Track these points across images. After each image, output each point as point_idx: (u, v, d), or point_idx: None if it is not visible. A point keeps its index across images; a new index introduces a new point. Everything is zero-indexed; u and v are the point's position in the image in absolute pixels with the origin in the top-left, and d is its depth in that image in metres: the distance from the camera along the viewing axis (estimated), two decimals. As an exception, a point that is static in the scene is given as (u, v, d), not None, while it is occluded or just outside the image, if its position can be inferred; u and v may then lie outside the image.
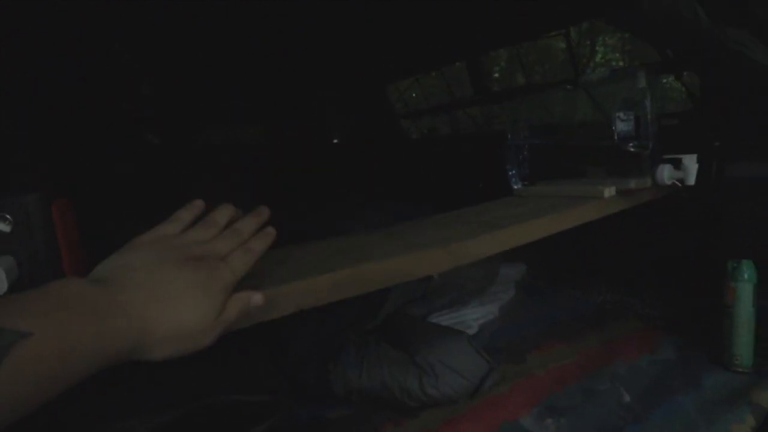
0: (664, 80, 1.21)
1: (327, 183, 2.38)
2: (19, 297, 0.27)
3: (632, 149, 0.85)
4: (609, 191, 0.83)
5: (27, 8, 1.14)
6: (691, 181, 0.84)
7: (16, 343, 0.23)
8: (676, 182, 0.85)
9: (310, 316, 0.87)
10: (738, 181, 0.90)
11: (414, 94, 2.69)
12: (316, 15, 1.50)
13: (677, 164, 0.84)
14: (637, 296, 1.21)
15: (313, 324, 0.91)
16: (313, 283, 0.49)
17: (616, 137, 0.86)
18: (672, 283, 1.13)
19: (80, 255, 0.49)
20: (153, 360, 0.32)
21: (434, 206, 0.89)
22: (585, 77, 0.95)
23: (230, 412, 0.64)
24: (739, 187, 0.90)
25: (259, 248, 0.41)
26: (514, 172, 1.04)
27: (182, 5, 1.35)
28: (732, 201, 0.92)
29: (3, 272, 0.40)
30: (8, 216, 0.43)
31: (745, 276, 0.86)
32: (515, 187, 1.02)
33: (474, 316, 1.13)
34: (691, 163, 0.84)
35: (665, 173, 0.84)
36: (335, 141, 2.88)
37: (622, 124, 0.85)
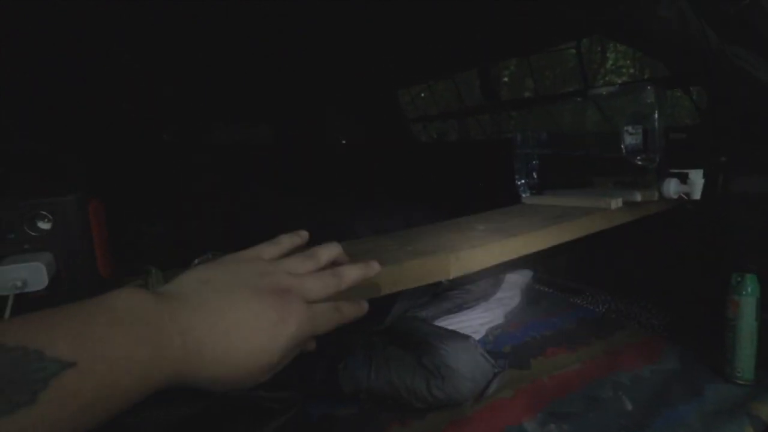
0: (677, 93, 1.22)
1: (337, 186, 2.40)
2: (71, 311, 0.24)
3: (640, 162, 0.87)
4: (616, 203, 0.85)
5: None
6: (697, 195, 0.86)
7: (56, 376, 0.21)
8: (683, 195, 0.87)
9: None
10: (743, 195, 0.92)
11: (423, 95, 2.71)
12: (330, 20, 1.53)
13: (684, 178, 0.86)
14: (642, 306, 1.23)
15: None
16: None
17: (624, 150, 0.88)
18: (676, 294, 1.14)
19: (110, 252, 0.52)
20: (202, 389, 0.29)
21: (443, 212, 0.91)
22: (594, 90, 0.97)
23: (250, 407, 0.67)
24: (744, 202, 0.91)
25: (346, 279, 0.38)
26: (522, 180, 1.06)
27: (199, 7, 1.38)
28: (737, 215, 0.93)
29: (44, 267, 0.43)
30: (48, 215, 0.46)
31: (749, 290, 0.87)
32: (523, 195, 1.04)
33: (480, 321, 1.15)
34: (697, 177, 0.86)
35: (671, 187, 0.86)
36: (343, 141, 2.91)
37: (631, 138, 0.87)
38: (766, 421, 0.80)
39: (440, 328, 1.04)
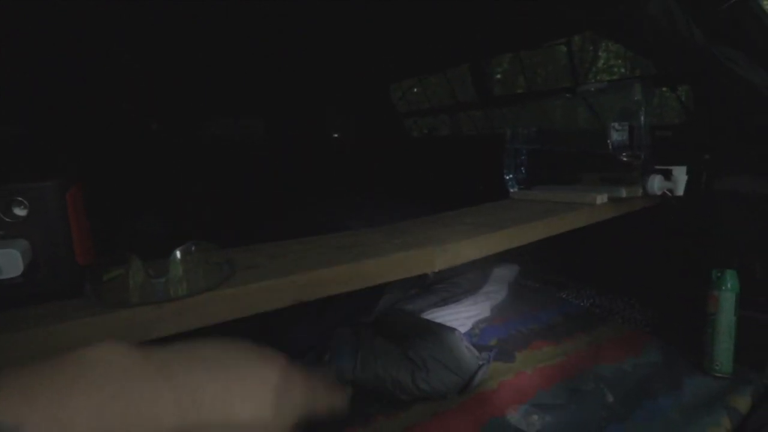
0: (667, 93, 1.24)
1: (328, 179, 2.40)
2: (37, 367, 0.21)
3: (625, 159, 0.87)
4: (601, 198, 0.86)
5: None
6: (680, 191, 0.87)
7: None
8: (666, 192, 0.88)
9: (308, 309, 0.90)
10: (725, 193, 0.93)
11: (415, 89, 2.70)
12: (324, 14, 1.52)
13: (667, 175, 0.87)
14: (625, 301, 1.25)
15: (311, 316, 0.93)
16: (311, 276, 0.51)
17: (610, 146, 0.88)
18: (659, 289, 1.16)
19: (90, 240, 0.51)
20: None
21: (433, 206, 0.91)
22: (583, 86, 0.97)
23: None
24: (726, 200, 0.93)
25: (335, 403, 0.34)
26: (511, 175, 1.06)
27: (194, 1, 1.36)
28: (718, 213, 0.94)
29: (19, 255, 0.42)
30: (25, 201, 0.45)
31: (728, 285, 0.89)
32: (512, 190, 1.05)
33: (467, 315, 1.15)
34: (680, 174, 0.87)
35: (656, 183, 0.86)
36: (336, 135, 2.90)
37: (617, 134, 0.88)
38: (742, 412, 0.82)
39: (426, 320, 1.04)
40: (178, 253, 0.48)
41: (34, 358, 0.22)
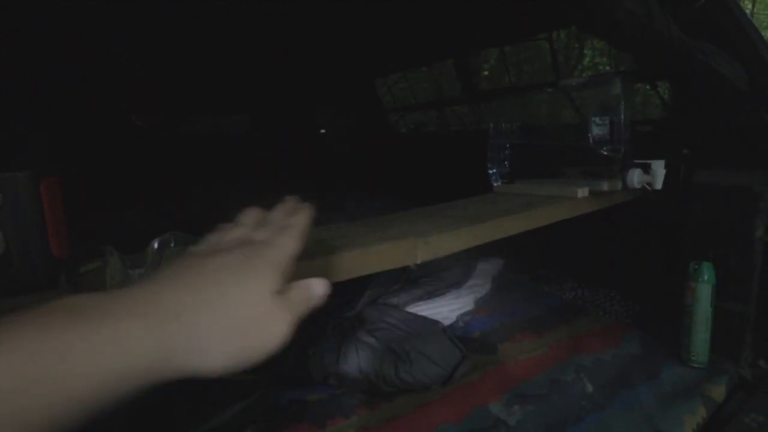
0: (651, 91, 1.25)
1: (314, 175, 2.39)
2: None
3: (605, 152, 0.89)
4: (582, 192, 0.87)
5: None
6: (659, 185, 0.89)
7: None
8: (646, 186, 0.90)
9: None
10: (702, 187, 0.95)
11: (402, 86, 2.70)
12: (308, 7, 1.51)
13: (646, 169, 0.89)
14: (606, 293, 1.27)
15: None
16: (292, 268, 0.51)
17: (591, 140, 0.90)
18: (639, 282, 1.18)
19: (67, 234, 0.50)
20: (212, 373, 0.25)
21: (416, 201, 0.91)
22: (565, 81, 0.98)
23: (212, 387, 0.66)
24: (703, 193, 0.95)
25: (297, 221, 0.34)
26: (494, 170, 1.07)
27: None
28: (695, 206, 0.97)
29: (-9, 246, 0.42)
30: (-2, 192, 0.44)
31: (705, 277, 0.91)
32: (495, 184, 1.05)
33: (450, 308, 1.16)
34: (659, 167, 0.88)
35: (635, 177, 0.88)
36: (322, 131, 2.88)
37: (598, 128, 0.89)
38: (717, 401, 0.84)
39: (410, 313, 1.05)
40: (155, 244, 0.48)
41: None
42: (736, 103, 0.86)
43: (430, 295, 1.20)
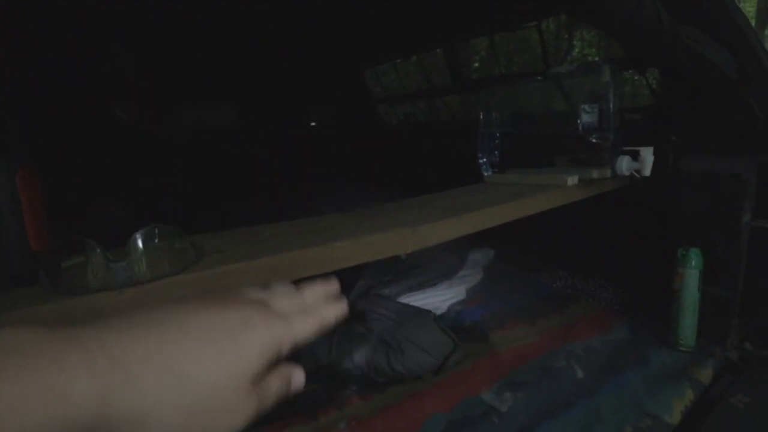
0: (642, 81, 1.25)
1: (303, 167, 2.37)
2: None
3: (595, 140, 0.89)
4: (572, 180, 0.87)
5: None
6: (647, 172, 0.89)
7: None
8: (634, 173, 0.90)
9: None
10: (690, 174, 0.96)
11: (392, 77, 2.68)
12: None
13: (635, 156, 0.89)
14: (596, 281, 1.28)
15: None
16: (281, 260, 0.50)
17: (580, 128, 0.90)
18: (628, 269, 1.19)
19: (45, 225, 0.48)
20: None
21: (407, 191, 0.91)
22: (554, 69, 0.98)
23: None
24: (691, 180, 0.96)
25: (326, 314, 0.31)
26: (484, 159, 1.06)
27: None
28: (684, 192, 0.97)
29: (-35, 240, 0.40)
30: (-30, 184, 0.42)
31: (693, 263, 0.92)
32: (485, 173, 1.05)
33: (442, 298, 1.17)
34: (647, 155, 0.89)
35: (624, 164, 0.88)
36: (312, 124, 2.86)
37: (587, 116, 0.89)
38: (705, 384, 0.86)
39: (401, 304, 1.05)
40: (138, 236, 0.46)
41: None
42: (724, 90, 0.86)
43: (421, 286, 1.20)
